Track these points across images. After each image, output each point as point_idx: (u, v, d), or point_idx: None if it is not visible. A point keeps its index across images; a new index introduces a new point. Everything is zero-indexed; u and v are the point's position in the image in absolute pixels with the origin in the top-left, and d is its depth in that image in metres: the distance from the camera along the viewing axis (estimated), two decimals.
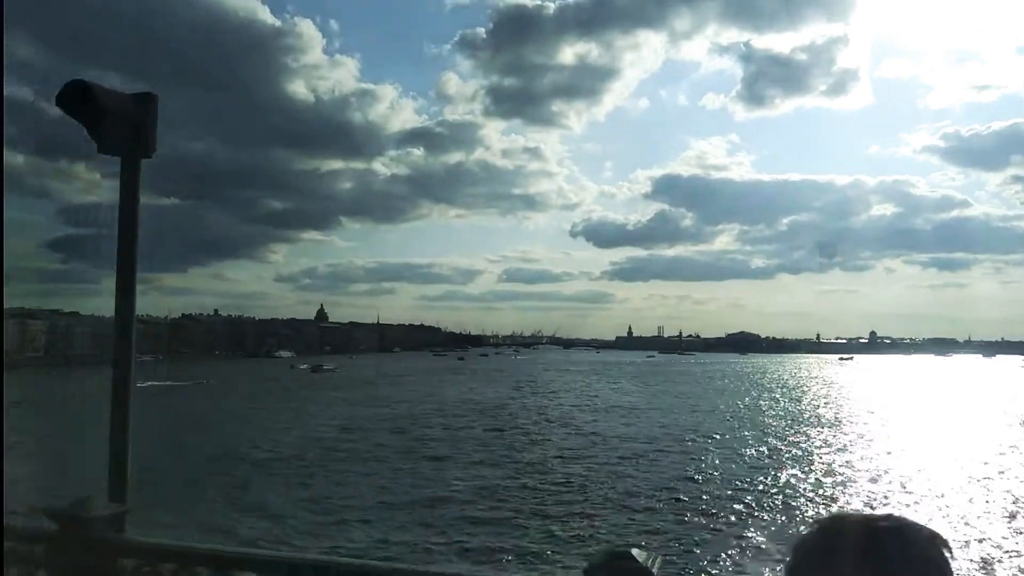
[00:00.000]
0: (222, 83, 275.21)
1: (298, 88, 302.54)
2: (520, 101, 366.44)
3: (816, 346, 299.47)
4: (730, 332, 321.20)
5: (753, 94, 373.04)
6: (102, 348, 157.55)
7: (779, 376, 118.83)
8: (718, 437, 39.60)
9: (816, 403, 63.85)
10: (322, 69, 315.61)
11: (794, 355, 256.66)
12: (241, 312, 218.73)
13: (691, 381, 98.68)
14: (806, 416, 51.55)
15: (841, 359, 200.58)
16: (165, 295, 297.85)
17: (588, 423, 46.52)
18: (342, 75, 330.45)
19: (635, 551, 2.13)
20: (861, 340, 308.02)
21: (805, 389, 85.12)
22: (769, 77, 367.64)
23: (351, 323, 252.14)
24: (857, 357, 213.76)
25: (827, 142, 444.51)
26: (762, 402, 64.67)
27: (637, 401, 63.53)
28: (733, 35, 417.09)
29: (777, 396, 72.96)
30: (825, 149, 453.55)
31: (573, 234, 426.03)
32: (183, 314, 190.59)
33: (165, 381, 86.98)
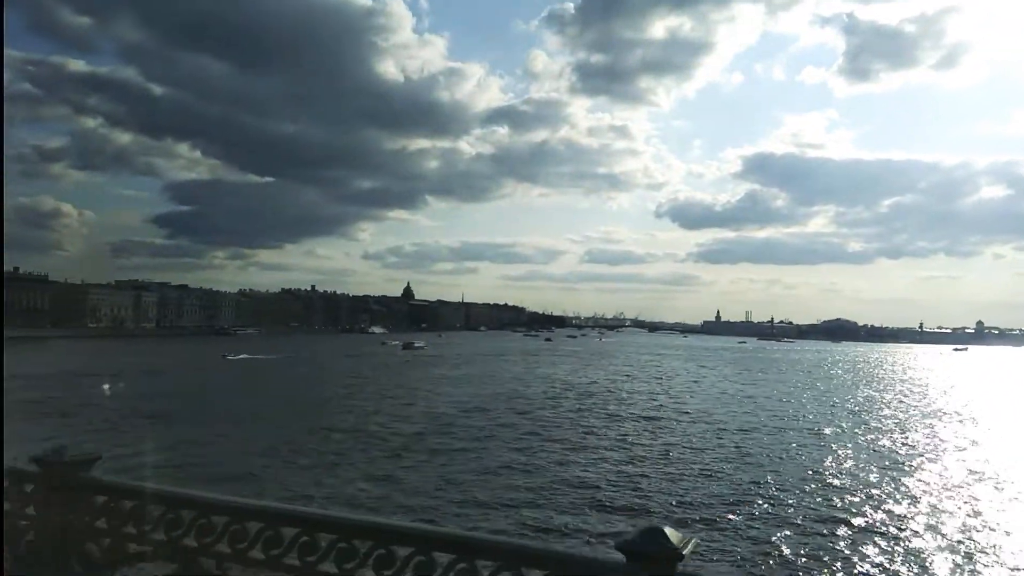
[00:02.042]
0: (315, 65, 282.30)
1: (388, 68, 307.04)
2: (608, 78, 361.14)
3: (918, 335, 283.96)
4: (823, 318, 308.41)
5: (856, 68, 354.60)
6: (211, 318, 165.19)
7: (898, 367, 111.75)
8: (881, 439, 36.54)
9: (968, 400, 58.02)
10: (411, 48, 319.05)
11: (895, 344, 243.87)
12: (331, 288, 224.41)
13: (800, 370, 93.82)
14: (965, 415, 47.01)
15: (956, 349, 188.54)
16: (264, 270, 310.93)
17: (709, 412, 44.04)
18: (431, 54, 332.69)
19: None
20: (967, 330, 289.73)
21: (936, 383, 78.69)
22: (874, 50, 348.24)
23: (439, 301, 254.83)
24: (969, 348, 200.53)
25: (934, 119, 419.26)
26: (903, 398, 59.51)
27: (754, 391, 60.20)
28: (836, 5, 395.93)
29: (909, 389, 67.74)
30: (932, 127, 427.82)
31: (658, 215, 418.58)
32: (283, 289, 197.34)
33: (268, 354, 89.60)
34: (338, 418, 36.73)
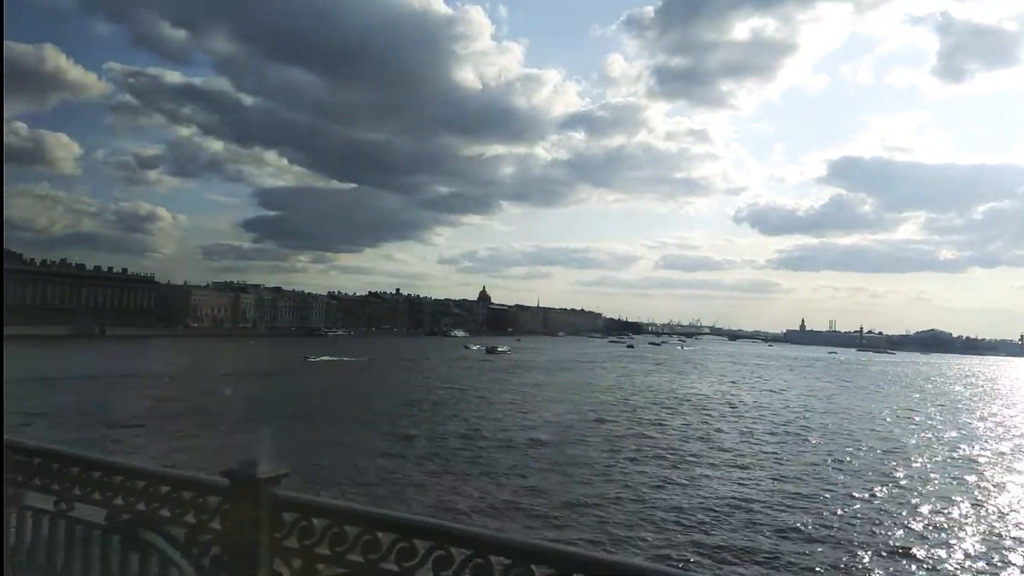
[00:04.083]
0: (397, 74, 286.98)
1: (466, 75, 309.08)
2: (687, 81, 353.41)
3: (1018, 348, 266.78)
4: (912, 328, 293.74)
5: (950, 68, 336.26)
6: (303, 320, 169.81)
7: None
8: None
9: None
10: (490, 55, 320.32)
11: (995, 357, 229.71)
12: (408, 291, 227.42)
13: (921, 385, 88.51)
14: None
15: None
16: (344, 273, 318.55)
17: (874, 432, 41.52)
18: (509, 61, 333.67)
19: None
20: None
21: None
22: (970, 49, 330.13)
23: (517, 306, 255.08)
24: None
25: None
26: None
27: (895, 406, 56.89)
28: (929, 3, 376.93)
29: None
30: None
31: (737, 220, 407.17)
32: (370, 292, 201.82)
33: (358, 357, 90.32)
34: (467, 425, 36.24)
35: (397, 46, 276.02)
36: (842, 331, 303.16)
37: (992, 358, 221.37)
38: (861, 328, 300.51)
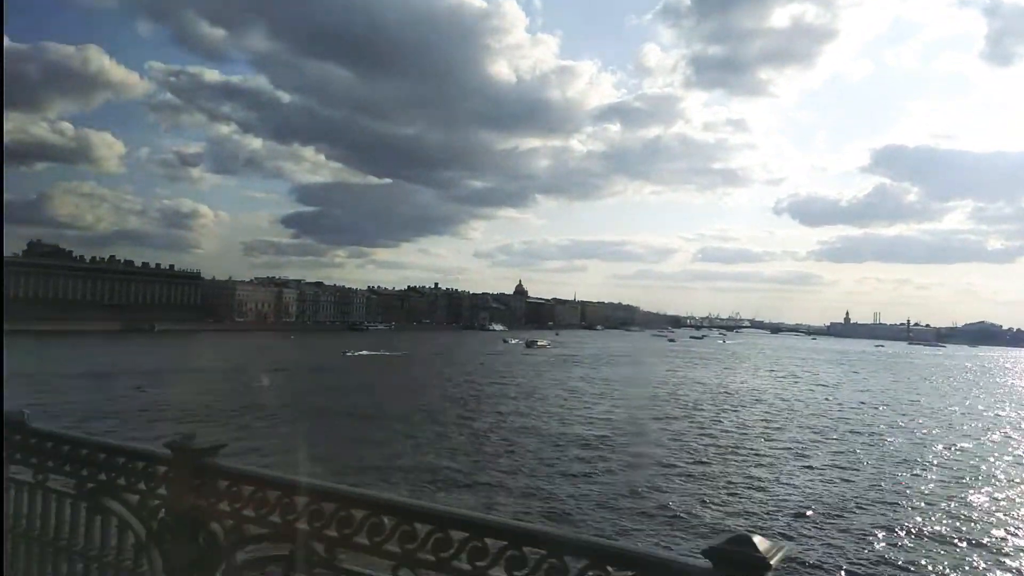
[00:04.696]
0: (432, 69, 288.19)
1: (501, 69, 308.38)
2: (725, 70, 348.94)
3: None
4: (960, 321, 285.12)
5: (998, 52, 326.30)
6: (344, 314, 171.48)
7: None
8: None
9: None
10: (524, 48, 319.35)
11: None
12: (444, 285, 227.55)
13: (996, 381, 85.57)
14: None
15: None
16: (380, 267, 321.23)
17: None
18: (543, 53, 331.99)
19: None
20: None
21: None
22: (1018, 32, 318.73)
23: (554, 299, 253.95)
24: None
25: None
26: None
27: (952, 404, 54.95)
28: None
29: None
30: None
31: (777, 211, 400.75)
32: (409, 286, 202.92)
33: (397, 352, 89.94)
34: (523, 421, 35.71)
35: (431, 41, 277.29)
36: (888, 323, 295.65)
37: None
38: (908, 320, 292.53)
